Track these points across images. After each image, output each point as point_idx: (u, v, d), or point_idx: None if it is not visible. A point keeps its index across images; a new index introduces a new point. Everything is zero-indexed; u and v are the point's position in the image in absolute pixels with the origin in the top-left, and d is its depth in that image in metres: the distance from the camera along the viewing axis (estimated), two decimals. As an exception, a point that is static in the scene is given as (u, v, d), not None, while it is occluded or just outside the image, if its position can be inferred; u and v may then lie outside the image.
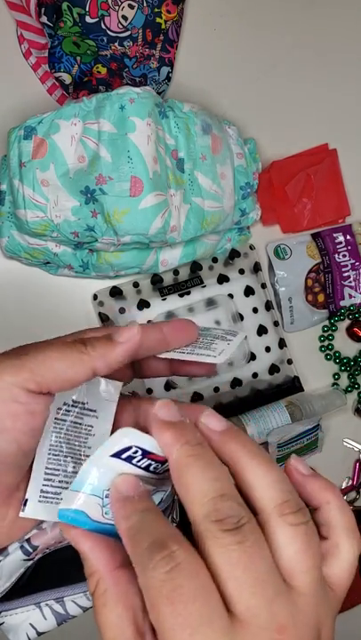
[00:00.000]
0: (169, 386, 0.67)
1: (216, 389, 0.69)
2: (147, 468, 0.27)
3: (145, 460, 0.26)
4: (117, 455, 0.26)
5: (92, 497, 0.26)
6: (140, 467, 0.26)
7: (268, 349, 0.69)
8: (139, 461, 0.26)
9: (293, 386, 0.71)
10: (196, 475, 0.24)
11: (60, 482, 0.32)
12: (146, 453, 0.26)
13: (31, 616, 0.42)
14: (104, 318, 0.66)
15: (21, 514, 0.31)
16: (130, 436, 0.25)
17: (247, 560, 0.22)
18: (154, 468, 0.27)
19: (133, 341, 0.31)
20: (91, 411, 0.34)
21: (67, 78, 0.63)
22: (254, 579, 0.22)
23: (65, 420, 0.33)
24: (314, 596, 0.24)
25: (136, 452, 0.26)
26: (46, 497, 0.32)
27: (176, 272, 0.67)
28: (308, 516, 0.24)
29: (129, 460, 0.26)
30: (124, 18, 0.61)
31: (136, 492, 0.25)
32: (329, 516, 0.26)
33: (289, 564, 0.23)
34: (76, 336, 0.32)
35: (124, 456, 0.26)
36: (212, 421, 0.26)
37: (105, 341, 0.31)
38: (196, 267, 0.67)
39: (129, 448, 0.26)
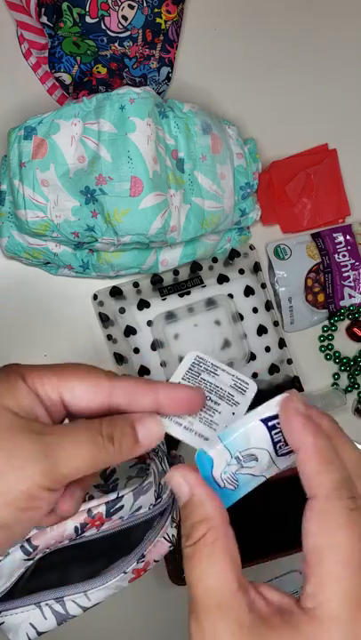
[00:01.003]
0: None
1: (216, 389, 0.69)
2: (276, 444, 0.29)
3: (280, 435, 0.28)
4: (265, 421, 0.28)
5: (225, 451, 0.28)
6: (273, 440, 0.28)
7: (267, 349, 0.69)
8: (276, 433, 0.28)
9: (293, 386, 0.71)
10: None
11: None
12: None
13: (31, 616, 0.42)
14: (104, 318, 0.66)
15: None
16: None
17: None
18: (280, 446, 0.29)
19: (153, 443, 0.30)
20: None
21: (67, 78, 0.63)
22: None
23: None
24: None
25: (279, 422, 0.28)
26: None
27: (176, 272, 0.67)
28: None
29: (271, 429, 0.28)
30: (124, 18, 0.61)
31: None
32: None
33: None
34: (106, 423, 0.30)
35: (270, 423, 0.28)
36: (324, 422, 0.29)
37: (132, 442, 0.30)
38: (196, 267, 0.67)
39: (276, 416, 0.28)
